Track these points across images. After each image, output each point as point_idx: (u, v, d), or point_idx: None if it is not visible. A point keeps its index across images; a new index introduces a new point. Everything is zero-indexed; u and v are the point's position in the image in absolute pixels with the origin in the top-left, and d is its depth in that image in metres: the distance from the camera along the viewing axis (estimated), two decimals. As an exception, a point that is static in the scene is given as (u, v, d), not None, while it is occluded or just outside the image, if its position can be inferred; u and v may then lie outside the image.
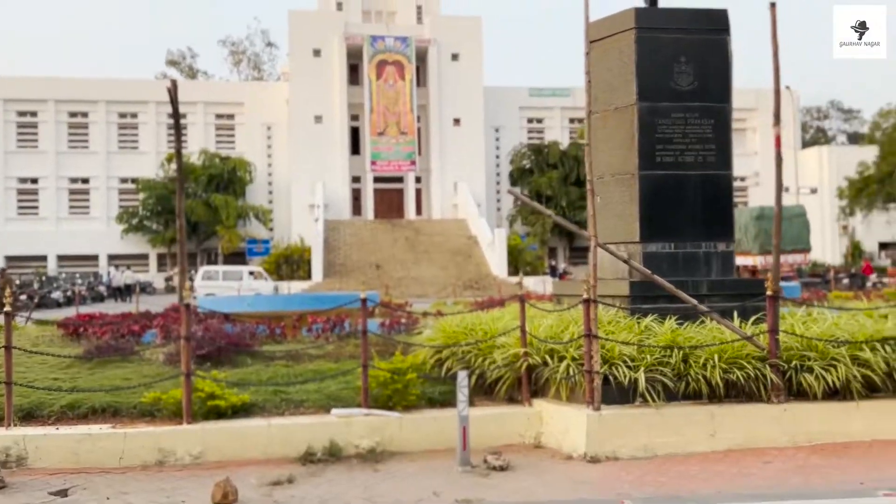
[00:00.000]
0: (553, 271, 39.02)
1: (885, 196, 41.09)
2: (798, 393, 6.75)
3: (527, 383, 7.04)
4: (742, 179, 55.22)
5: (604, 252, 8.85)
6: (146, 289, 39.64)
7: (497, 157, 52.34)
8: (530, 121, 53.99)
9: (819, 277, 32.74)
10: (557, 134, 52.65)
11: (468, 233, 43.82)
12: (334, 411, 6.85)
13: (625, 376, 6.45)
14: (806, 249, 31.13)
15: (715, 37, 8.52)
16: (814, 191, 53.44)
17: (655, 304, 7.74)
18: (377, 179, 49.70)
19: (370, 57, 48.15)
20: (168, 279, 45.87)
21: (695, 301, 7.02)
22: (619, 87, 8.48)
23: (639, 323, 7.35)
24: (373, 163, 48.58)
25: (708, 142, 8.41)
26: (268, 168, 52.53)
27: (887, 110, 42.93)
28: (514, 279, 36.87)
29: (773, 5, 6.78)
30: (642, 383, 6.41)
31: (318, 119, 48.84)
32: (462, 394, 6.08)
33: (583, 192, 48.96)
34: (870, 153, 48.48)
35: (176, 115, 6.04)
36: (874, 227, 51.93)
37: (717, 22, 8.55)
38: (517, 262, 38.61)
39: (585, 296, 6.50)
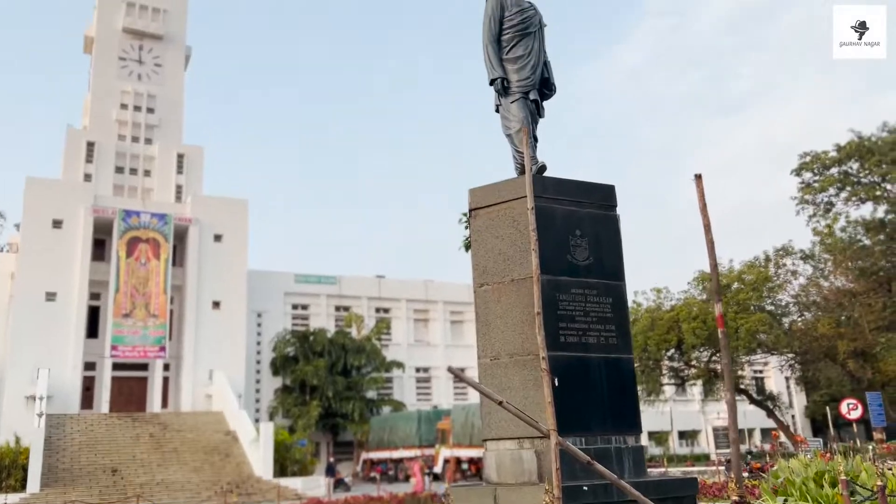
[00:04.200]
0: (330, 469, 35.74)
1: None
2: None
3: None
4: (497, 371, 57.41)
5: (504, 450, 7.41)
6: None
7: (258, 343, 49.32)
8: (295, 307, 52.29)
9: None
10: (323, 321, 51.36)
11: (226, 427, 39.31)
12: None
13: None
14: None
15: (606, 212, 8.07)
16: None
17: (582, 516, 6.35)
18: (117, 366, 43.85)
19: (121, 232, 44.17)
20: None
21: (664, 511, 5.77)
22: (515, 258, 7.55)
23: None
24: (114, 347, 42.97)
25: (608, 322, 7.64)
26: (-24, 351, 44.11)
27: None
28: (283, 481, 33.30)
29: (698, 177, 6.39)
30: None
31: (51, 296, 42.79)
32: None
33: (350, 381, 47.34)
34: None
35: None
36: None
37: (607, 197, 8.15)
38: (284, 459, 34.92)
39: (551, 512, 4.96)
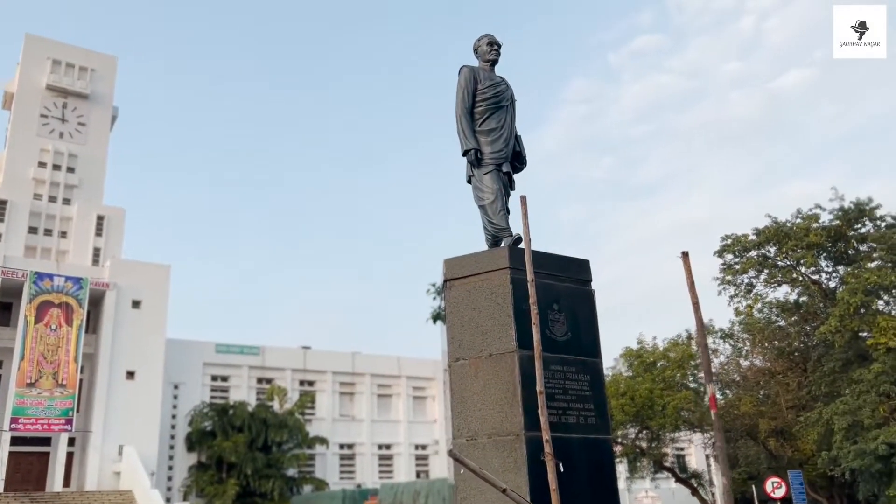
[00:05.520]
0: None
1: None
2: None
3: None
4: (423, 447, 56.11)
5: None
6: None
7: (174, 417, 46.69)
8: (215, 378, 50.03)
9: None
10: (244, 394, 49.24)
11: (135, 508, 36.67)
12: None
13: None
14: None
15: (582, 287, 7.94)
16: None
17: None
18: (16, 441, 40.51)
19: (31, 296, 41.61)
20: None
21: None
22: (493, 331, 7.28)
23: None
24: (14, 420, 39.78)
25: (587, 400, 7.39)
26: None
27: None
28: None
29: (685, 254, 6.34)
30: None
31: (-53, 364, 39.68)
32: None
33: (270, 458, 45.13)
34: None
35: None
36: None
37: (583, 271, 8.04)
38: (198, 543, 32.63)
39: None
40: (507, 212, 8.57)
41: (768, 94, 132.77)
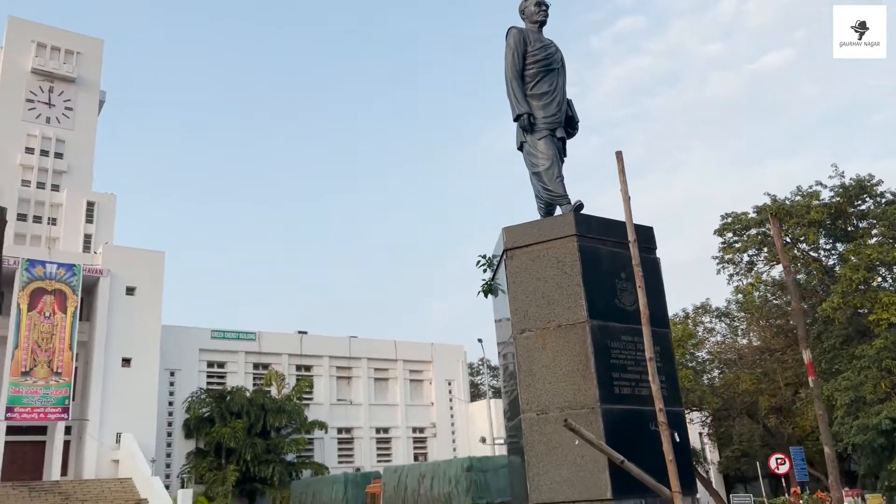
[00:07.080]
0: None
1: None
2: None
3: None
4: (420, 430, 55.99)
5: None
6: None
7: (171, 403, 46.17)
8: (211, 364, 49.47)
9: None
10: (241, 380, 48.77)
11: (136, 496, 36.21)
12: None
13: None
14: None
15: (648, 255, 7.63)
16: (483, 440, 56.11)
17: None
18: (11, 430, 39.91)
19: (24, 284, 40.86)
20: None
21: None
22: (561, 301, 6.97)
23: None
24: (9, 409, 39.18)
25: (658, 372, 7.10)
26: None
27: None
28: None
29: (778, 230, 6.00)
30: None
31: (-62, 353, 38.94)
32: None
33: (269, 444, 44.80)
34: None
35: None
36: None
37: (648, 239, 7.73)
38: (203, 530, 32.34)
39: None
40: (562, 177, 8.23)
41: (749, 74, 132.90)
